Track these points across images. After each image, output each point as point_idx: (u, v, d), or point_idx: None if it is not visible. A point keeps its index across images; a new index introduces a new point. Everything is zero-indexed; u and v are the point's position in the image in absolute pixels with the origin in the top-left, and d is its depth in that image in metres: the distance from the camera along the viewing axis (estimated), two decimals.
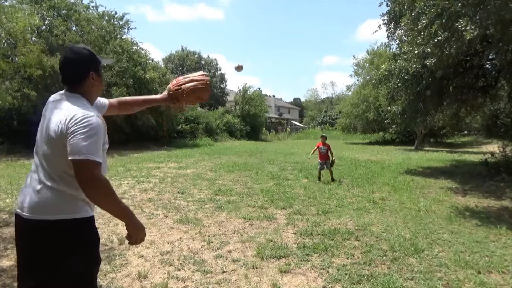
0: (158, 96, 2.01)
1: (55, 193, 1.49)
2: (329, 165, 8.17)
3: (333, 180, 8.06)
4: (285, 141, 33.84)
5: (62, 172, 1.49)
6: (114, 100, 1.95)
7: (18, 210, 1.55)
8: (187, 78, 1.92)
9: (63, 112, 1.48)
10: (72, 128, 1.42)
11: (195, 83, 1.88)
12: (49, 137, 1.48)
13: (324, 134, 8.84)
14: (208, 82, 1.92)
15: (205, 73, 1.96)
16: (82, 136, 1.40)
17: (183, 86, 1.87)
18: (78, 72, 1.58)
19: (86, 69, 1.59)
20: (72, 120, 1.43)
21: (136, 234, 1.58)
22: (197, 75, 1.93)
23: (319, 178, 8.21)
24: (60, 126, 1.44)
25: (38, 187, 1.50)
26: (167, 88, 1.94)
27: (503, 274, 3.15)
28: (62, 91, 1.61)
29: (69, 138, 1.41)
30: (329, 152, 8.18)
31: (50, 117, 1.51)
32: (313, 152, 8.76)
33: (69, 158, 1.39)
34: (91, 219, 1.60)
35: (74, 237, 1.51)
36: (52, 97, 1.61)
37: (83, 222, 1.54)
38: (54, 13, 15.98)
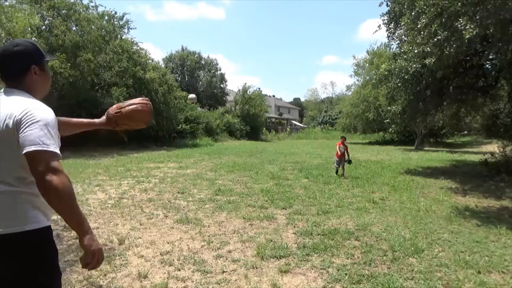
0: (97, 120, 1.89)
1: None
2: (344, 163, 8.99)
3: (343, 175, 8.85)
4: (285, 141, 33.83)
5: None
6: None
7: None
8: (126, 102, 1.87)
9: (11, 107, 1.35)
10: (24, 120, 1.31)
11: (135, 106, 1.83)
12: None
13: (344, 135, 9.85)
14: (149, 105, 1.86)
15: (146, 98, 1.90)
16: (35, 127, 1.29)
17: (122, 110, 1.82)
18: (19, 66, 1.47)
19: (28, 62, 1.48)
20: (22, 113, 1.32)
21: (92, 254, 1.36)
22: (137, 100, 1.88)
23: (336, 172, 9.01)
24: (9, 121, 1.32)
25: None
26: (106, 112, 1.86)
27: (503, 274, 3.15)
28: (1, 90, 1.47)
29: (21, 130, 1.29)
30: (346, 152, 9.02)
31: None
32: (337, 149, 9.33)
33: (23, 152, 1.26)
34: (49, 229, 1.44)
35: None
36: None
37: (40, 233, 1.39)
38: (54, 13, 15.96)
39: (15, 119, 1.32)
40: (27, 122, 1.30)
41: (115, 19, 18.45)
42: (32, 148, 1.26)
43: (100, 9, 18.70)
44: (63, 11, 16.13)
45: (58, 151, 1.32)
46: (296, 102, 76.21)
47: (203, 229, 4.37)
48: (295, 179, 8.37)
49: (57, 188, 1.25)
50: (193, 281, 2.95)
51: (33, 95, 1.47)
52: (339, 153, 9.00)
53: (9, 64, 1.47)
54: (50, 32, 15.30)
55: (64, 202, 1.29)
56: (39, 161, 1.26)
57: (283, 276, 3.05)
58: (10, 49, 1.48)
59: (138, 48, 19.82)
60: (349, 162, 9.13)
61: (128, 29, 19.29)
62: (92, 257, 1.37)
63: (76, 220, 1.35)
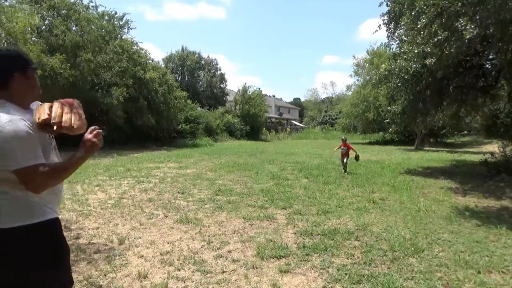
0: None
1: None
2: (347, 161, 9.75)
3: (345, 171, 9.54)
4: (285, 141, 33.83)
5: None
6: None
7: None
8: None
9: None
10: None
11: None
12: None
13: (343, 137, 10.49)
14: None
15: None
16: (8, 146, 1.36)
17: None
18: (3, 73, 1.49)
19: (10, 70, 1.50)
20: None
21: (92, 150, 1.54)
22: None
23: (344, 171, 9.62)
24: None
25: None
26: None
27: (503, 274, 3.15)
28: None
29: None
30: (350, 150, 9.90)
31: None
32: (336, 149, 10.59)
33: (11, 169, 1.38)
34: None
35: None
36: None
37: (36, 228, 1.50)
38: (54, 13, 15.96)
39: None
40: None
41: (115, 19, 18.46)
42: (16, 167, 1.39)
43: (100, 9, 18.73)
44: (63, 11, 16.13)
45: (37, 161, 1.43)
46: (296, 102, 76.18)
47: (203, 229, 4.37)
48: (295, 179, 8.37)
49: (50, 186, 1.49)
50: (193, 281, 2.95)
51: (18, 102, 1.50)
52: (342, 153, 9.87)
53: None
54: (50, 32, 15.29)
55: (61, 180, 1.56)
56: (26, 178, 1.42)
57: (283, 276, 3.04)
58: None
59: (138, 48, 19.83)
60: (357, 158, 10.25)
61: (128, 29, 19.30)
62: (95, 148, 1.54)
63: (76, 167, 1.56)
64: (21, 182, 1.40)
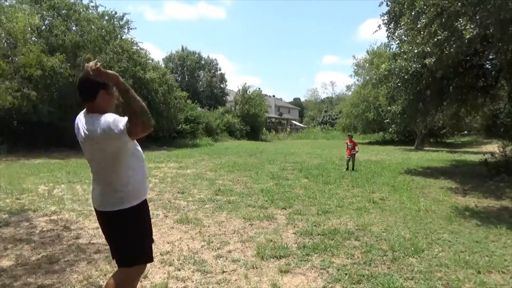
0: None
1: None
2: (353, 158, 10.16)
3: (353, 169, 9.98)
4: (285, 141, 33.84)
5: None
6: None
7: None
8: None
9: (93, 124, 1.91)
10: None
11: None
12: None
13: (350, 134, 11.26)
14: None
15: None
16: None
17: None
18: (91, 91, 1.95)
19: (97, 88, 1.95)
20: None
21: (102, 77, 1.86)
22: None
23: (347, 168, 10.05)
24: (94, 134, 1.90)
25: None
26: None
27: (503, 274, 3.15)
28: (84, 111, 2.01)
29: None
30: (355, 146, 10.21)
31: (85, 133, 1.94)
32: (347, 154, 10.45)
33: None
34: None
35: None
36: (78, 117, 2.08)
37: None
38: (54, 13, 15.98)
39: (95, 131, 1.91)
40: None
41: (115, 19, 18.46)
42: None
43: (100, 9, 18.75)
44: (63, 11, 16.14)
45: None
46: (296, 102, 76.22)
47: (203, 229, 4.37)
48: (295, 179, 8.37)
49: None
50: (193, 281, 2.95)
51: (103, 110, 1.95)
52: (348, 150, 10.14)
53: (84, 90, 1.96)
54: (50, 32, 15.30)
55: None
56: None
57: (283, 276, 3.04)
58: (84, 78, 1.92)
59: (138, 48, 19.82)
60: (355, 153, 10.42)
61: (128, 29, 19.30)
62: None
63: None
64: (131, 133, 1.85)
